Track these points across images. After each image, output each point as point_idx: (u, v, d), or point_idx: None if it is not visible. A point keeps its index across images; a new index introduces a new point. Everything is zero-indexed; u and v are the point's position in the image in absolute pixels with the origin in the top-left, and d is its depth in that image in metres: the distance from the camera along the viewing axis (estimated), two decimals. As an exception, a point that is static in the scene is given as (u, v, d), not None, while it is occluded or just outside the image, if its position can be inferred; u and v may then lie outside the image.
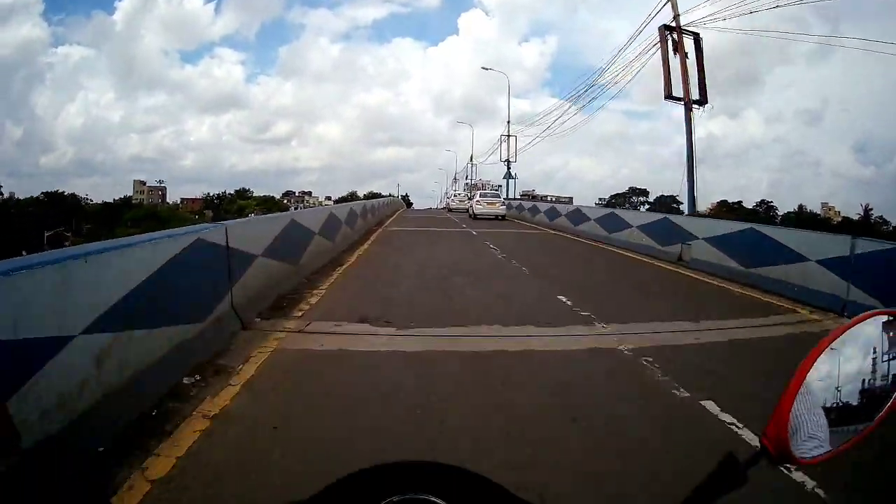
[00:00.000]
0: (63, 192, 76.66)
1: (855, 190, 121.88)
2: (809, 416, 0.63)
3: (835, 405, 0.64)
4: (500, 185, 45.87)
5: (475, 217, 23.58)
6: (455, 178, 70.41)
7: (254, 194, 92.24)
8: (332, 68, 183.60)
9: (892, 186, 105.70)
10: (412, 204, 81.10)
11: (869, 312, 0.67)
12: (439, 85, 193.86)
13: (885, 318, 0.67)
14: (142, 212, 67.26)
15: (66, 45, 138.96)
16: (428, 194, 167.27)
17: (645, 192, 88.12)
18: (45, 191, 75.78)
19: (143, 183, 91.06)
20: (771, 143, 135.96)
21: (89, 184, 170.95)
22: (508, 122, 45.06)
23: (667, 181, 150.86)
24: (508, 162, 41.68)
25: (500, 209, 23.59)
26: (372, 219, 17.35)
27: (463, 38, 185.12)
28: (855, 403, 0.65)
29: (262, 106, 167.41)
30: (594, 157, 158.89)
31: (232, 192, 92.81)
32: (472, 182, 52.90)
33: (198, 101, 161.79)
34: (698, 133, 22.43)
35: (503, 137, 42.83)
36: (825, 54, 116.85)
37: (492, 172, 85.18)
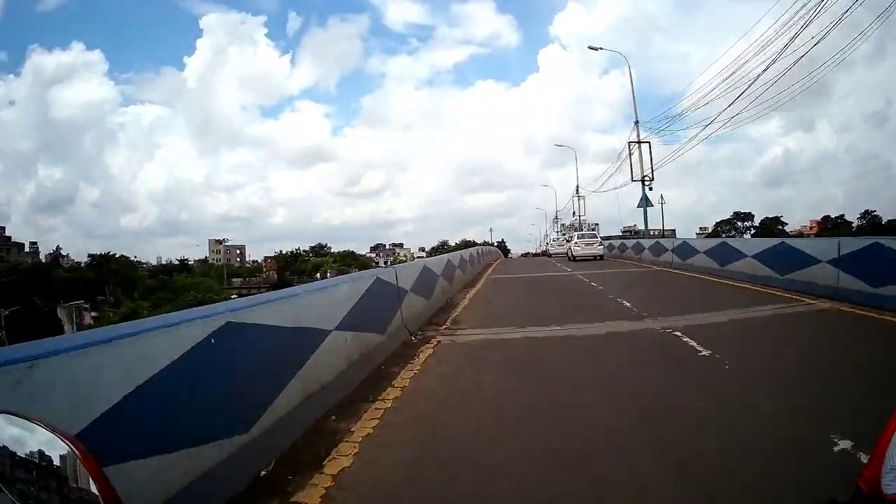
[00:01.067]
0: (114, 254, 68.13)
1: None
2: None
3: None
4: (597, 224, 43.45)
5: (574, 259, 24.32)
6: (556, 218, 67.17)
7: (332, 250, 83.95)
8: (416, 115, 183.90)
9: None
10: (509, 251, 78.44)
11: None
12: (525, 125, 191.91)
13: None
14: (156, 282, 57.38)
15: (137, 104, 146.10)
16: (524, 238, 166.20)
17: (750, 217, 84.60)
18: (114, 252, 68.03)
19: (220, 242, 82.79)
20: (843, 152, 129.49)
21: (176, 243, 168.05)
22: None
23: (748, 204, 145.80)
24: (644, 179, 26.86)
25: (597, 249, 24.43)
26: (464, 274, 14.81)
27: (543, 75, 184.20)
28: None
29: (349, 158, 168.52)
30: (678, 188, 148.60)
31: (307, 248, 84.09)
32: (574, 221, 49.31)
33: (284, 156, 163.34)
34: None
35: (631, 146, 28.21)
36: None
37: (593, 205, 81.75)
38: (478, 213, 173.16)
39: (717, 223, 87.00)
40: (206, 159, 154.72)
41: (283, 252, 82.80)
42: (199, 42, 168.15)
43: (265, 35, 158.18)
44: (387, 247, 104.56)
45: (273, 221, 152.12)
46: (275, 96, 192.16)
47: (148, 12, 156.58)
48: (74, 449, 0.77)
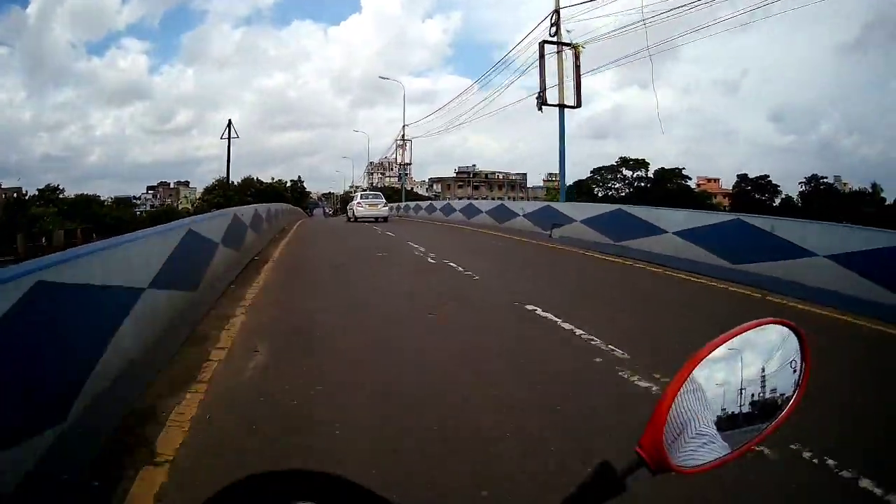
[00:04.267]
0: None
1: (768, 158, 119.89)
2: (694, 423, 0.61)
3: (723, 412, 0.63)
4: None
5: (356, 219, 24.38)
6: (368, 168, 67.55)
7: (63, 195, 61.10)
8: (232, 53, 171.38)
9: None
10: (310, 207, 72.28)
11: (764, 319, 0.67)
12: (340, 66, 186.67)
13: (782, 328, 0.68)
14: None
15: None
16: (328, 178, 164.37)
17: (644, 164, 68.01)
18: None
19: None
20: (684, 112, 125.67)
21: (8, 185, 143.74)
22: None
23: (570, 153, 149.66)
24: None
25: (382, 210, 24.56)
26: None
27: (365, 15, 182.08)
28: (746, 411, 0.64)
29: (164, 96, 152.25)
30: (492, 133, 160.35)
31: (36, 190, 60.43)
32: (399, 169, 48.55)
33: (104, 95, 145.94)
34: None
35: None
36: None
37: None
38: (283, 151, 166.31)
39: (594, 169, 71.24)
40: (35, 98, 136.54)
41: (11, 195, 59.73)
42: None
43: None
44: (170, 185, 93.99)
45: (90, 161, 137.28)
46: (103, 31, 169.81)
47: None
48: None
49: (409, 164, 43.07)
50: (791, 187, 66.45)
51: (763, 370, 0.65)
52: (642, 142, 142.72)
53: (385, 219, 24.40)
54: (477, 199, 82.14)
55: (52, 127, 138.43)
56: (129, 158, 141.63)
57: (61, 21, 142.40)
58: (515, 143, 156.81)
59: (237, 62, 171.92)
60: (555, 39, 19.56)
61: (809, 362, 0.68)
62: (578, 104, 20.03)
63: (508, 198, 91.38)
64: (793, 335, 0.68)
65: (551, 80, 19.43)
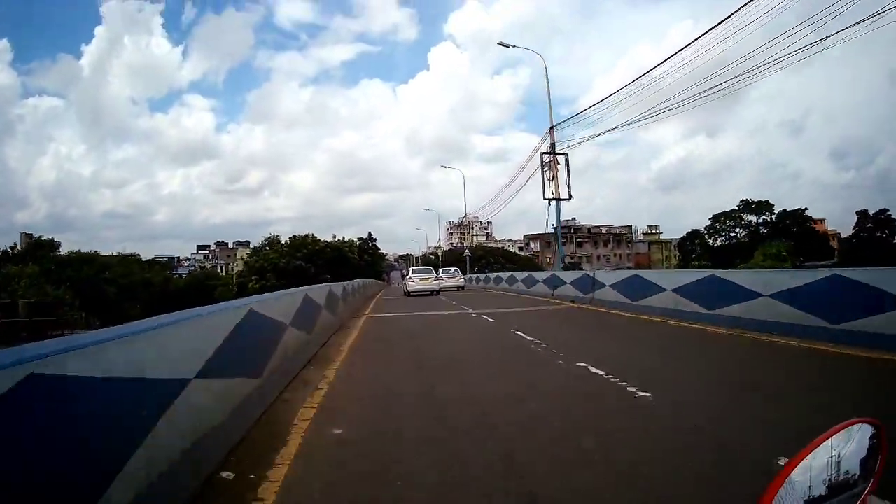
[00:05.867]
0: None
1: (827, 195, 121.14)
2: None
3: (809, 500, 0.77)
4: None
5: (409, 294, 24.56)
6: (448, 230, 66.22)
7: (59, 251, 53.06)
8: (301, 113, 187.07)
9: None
10: (385, 273, 68.21)
11: (852, 420, 0.81)
12: (410, 125, 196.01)
13: (866, 426, 0.82)
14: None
15: (35, 95, 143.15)
16: (403, 240, 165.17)
17: (768, 207, 63.01)
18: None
19: (31, 236, 58.46)
20: (751, 157, 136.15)
21: (66, 240, 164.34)
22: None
23: (643, 208, 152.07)
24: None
25: (433, 284, 25.28)
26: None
27: (434, 73, 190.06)
28: (827, 497, 0.77)
29: (232, 155, 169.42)
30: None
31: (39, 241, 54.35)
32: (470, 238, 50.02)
33: (169, 152, 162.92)
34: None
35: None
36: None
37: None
38: (355, 213, 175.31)
39: (713, 216, 66.51)
40: (95, 153, 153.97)
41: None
42: (97, 30, 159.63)
43: (161, 25, 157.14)
44: (229, 245, 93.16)
45: (156, 219, 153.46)
46: (165, 88, 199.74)
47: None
48: None
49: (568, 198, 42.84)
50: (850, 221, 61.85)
51: (842, 464, 0.78)
52: (710, 189, 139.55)
53: (461, 288, 27.85)
54: (580, 257, 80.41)
55: (114, 183, 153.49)
56: (200, 218, 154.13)
57: (118, 75, 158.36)
58: (592, 196, 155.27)
59: (306, 122, 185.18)
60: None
61: (885, 453, 0.83)
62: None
63: (614, 255, 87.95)
64: (872, 429, 0.83)
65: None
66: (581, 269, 56.97)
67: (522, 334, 9.08)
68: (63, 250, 53.40)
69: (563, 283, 17.81)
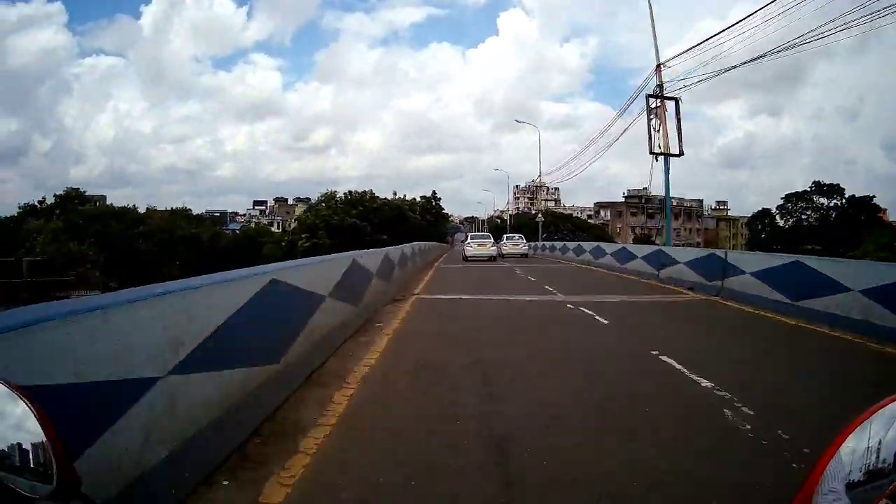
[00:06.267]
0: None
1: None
2: (834, 485, 0.69)
3: (858, 473, 0.70)
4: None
5: (466, 259, 25.14)
6: (515, 195, 63.40)
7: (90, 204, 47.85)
8: (369, 74, 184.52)
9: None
10: (450, 234, 64.99)
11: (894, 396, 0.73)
12: (479, 89, 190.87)
13: None
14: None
15: (92, 54, 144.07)
16: (470, 202, 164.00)
17: (840, 191, 58.76)
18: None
19: (77, 190, 49.81)
20: (809, 140, 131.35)
21: (123, 195, 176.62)
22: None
23: (701, 184, 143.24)
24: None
25: (491, 250, 25.70)
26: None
27: (503, 39, 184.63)
28: (874, 473, 0.70)
29: (298, 113, 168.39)
30: (627, 161, 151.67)
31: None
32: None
33: (234, 109, 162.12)
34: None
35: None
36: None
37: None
38: (422, 175, 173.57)
39: (786, 195, 62.94)
40: (156, 110, 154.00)
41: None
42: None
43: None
44: (288, 202, 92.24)
45: (219, 174, 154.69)
46: (229, 47, 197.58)
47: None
48: (34, 411, 0.79)
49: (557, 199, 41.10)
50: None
51: (887, 437, 0.70)
52: (771, 170, 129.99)
53: (525, 255, 28.59)
54: (651, 228, 77.04)
55: (176, 139, 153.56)
56: (264, 175, 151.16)
57: (181, 34, 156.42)
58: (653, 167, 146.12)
59: (375, 82, 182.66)
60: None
61: None
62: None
63: (685, 230, 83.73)
64: None
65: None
66: (655, 243, 53.46)
67: (683, 369, 4.98)
68: (119, 205, 51.19)
69: (674, 262, 13.81)
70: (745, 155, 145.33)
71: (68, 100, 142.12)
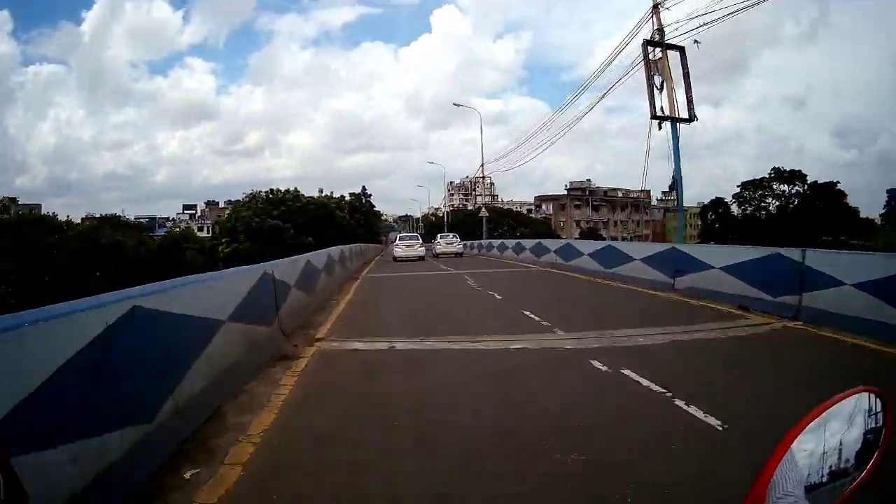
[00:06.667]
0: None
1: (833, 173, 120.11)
2: (788, 487, 0.68)
3: (816, 475, 0.70)
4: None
5: (395, 260, 27.08)
6: (450, 191, 61.85)
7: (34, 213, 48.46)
8: (302, 75, 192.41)
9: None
10: (383, 236, 60.15)
11: (855, 389, 0.74)
12: (411, 87, 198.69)
13: (867, 394, 0.75)
14: None
15: (36, 63, 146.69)
16: (403, 201, 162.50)
17: (801, 177, 56.08)
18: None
19: (15, 200, 50.52)
20: (752, 131, 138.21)
21: (63, 204, 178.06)
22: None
23: (639, 175, 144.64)
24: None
25: (419, 251, 27.76)
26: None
27: (436, 36, 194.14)
28: (830, 473, 0.71)
29: (232, 117, 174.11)
30: (567, 155, 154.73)
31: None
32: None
33: (169, 115, 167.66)
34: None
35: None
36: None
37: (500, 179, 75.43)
38: (354, 174, 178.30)
39: (742, 184, 60.64)
40: (95, 117, 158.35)
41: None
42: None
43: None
44: (219, 205, 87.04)
45: (155, 180, 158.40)
46: (165, 51, 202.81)
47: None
48: None
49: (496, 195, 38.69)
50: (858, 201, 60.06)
51: (846, 435, 0.71)
52: (712, 162, 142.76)
53: (459, 254, 29.80)
54: (597, 221, 75.64)
55: (114, 146, 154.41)
56: (199, 179, 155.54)
57: (119, 40, 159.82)
58: (593, 162, 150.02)
59: (306, 83, 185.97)
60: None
61: (890, 424, 0.75)
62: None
63: (632, 221, 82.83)
64: (878, 400, 0.75)
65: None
66: (602, 237, 50.26)
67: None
68: (62, 215, 52.08)
69: (703, 265, 9.90)
70: (688, 143, 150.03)
71: (11, 108, 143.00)
